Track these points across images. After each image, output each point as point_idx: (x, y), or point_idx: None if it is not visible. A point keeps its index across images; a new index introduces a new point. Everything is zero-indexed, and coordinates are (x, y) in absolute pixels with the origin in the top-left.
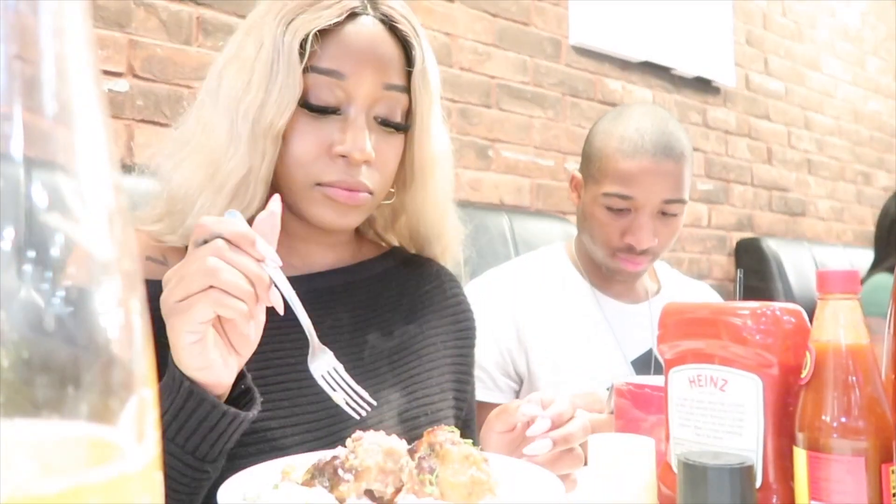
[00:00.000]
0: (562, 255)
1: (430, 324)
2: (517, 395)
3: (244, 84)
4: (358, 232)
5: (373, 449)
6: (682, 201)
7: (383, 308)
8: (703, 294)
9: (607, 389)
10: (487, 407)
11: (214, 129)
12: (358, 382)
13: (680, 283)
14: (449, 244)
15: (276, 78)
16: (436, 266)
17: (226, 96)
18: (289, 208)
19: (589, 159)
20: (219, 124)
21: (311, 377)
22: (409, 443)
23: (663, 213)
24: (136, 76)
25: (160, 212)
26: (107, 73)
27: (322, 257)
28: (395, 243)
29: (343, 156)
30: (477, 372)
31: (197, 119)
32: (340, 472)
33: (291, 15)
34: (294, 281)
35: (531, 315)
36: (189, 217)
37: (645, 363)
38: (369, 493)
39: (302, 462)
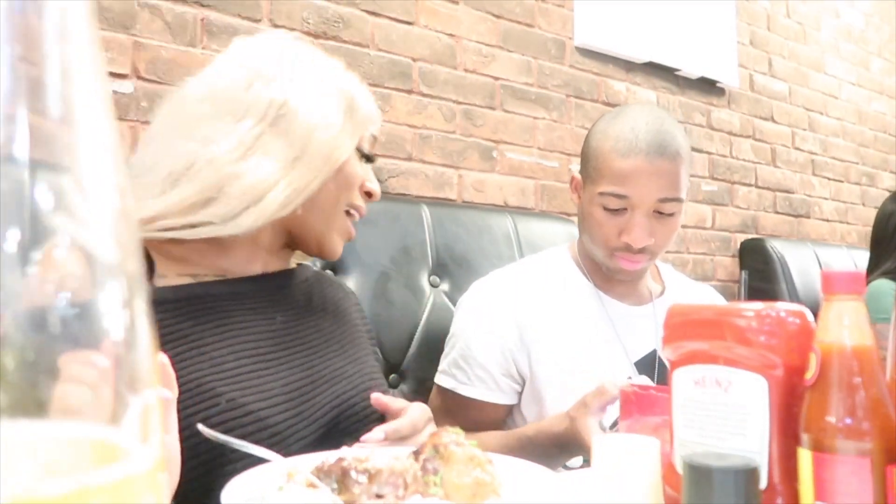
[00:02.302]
0: (565, 256)
1: (348, 324)
2: (519, 396)
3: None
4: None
5: (383, 451)
6: (677, 200)
7: (314, 309)
8: (707, 296)
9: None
10: (489, 407)
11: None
12: (298, 370)
13: (684, 285)
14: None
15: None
16: (336, 280)
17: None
18: (296, 227)
19: (587, 159)
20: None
21: (278, 357)
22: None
23: (659, 213)
24: (140, 78)
25: (190, 200)
26: (111, 74)
27: (266, 265)
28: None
29: (369, 193)
30: (479, 372)
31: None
32: (353, 473)
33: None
34: (238, 282)
35: (534, 316)
36: (251, 213)
37: (649, 364)
38: (378, 496)
39: (306, 463)
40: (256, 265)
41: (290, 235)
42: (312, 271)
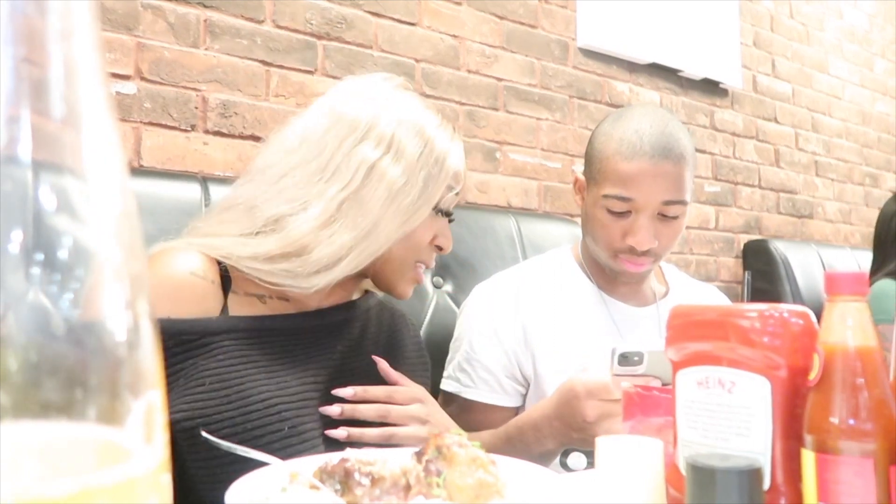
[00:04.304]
0: (568, 257)
1: (401, 357)
2: (523, 398)
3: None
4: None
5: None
6: (681, 203)
7: (368, 340)
8: (711, 296)
9: (612, 352)
10: (493, 410)
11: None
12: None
13: (688, 286)
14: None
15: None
16: (399, 311)
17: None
18: (365, 272)
19: (590, 161)
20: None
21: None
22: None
23: (663, 215)
24: (143, 79)
25: (272, 252)
26: (114, 75)
27: (325, 298)
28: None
29: (440, 248)
30: (483, 375)
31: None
32: (357, 475)
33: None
34: (303, 317)
35: (537, 318)
36: (324, 275)
37: None
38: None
39: (309, 465)
40: (319, 294)
41: (360, 275)
42: (376, 300)
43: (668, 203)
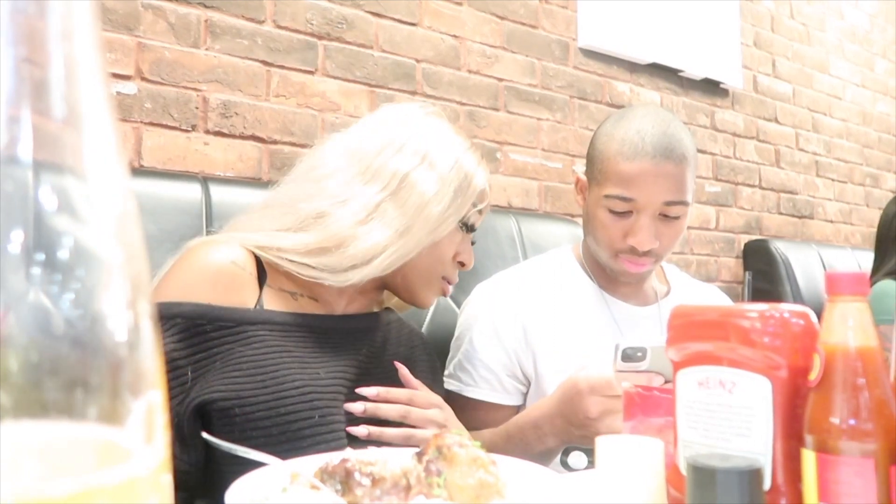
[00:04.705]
0: (569, 257)
1: (416, 372)
2: (524, 397)
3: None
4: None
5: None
6: (683, 203)
7: (388, 352)
8: (713, 296)
9: (616, 347)
10: (494, 408)
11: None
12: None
13: (689, 286)
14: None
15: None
16: (416, 330)
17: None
18: (391, 280)
19: (592, 162)
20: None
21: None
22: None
23: (665, 216)
24: (144, 79)
25: (311, 246)
26: (115, 75)
27: (350, 304)
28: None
29: (462, 263)
30: (484, 373)
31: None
32: (357, 475)
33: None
34: (331, 319)
35: (538, 317)
36: (358, 271)
37: None
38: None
39: (310, 465)
40: (344, 299)
41: (385, 284)
42: (396, 317)
43: (669, 203)
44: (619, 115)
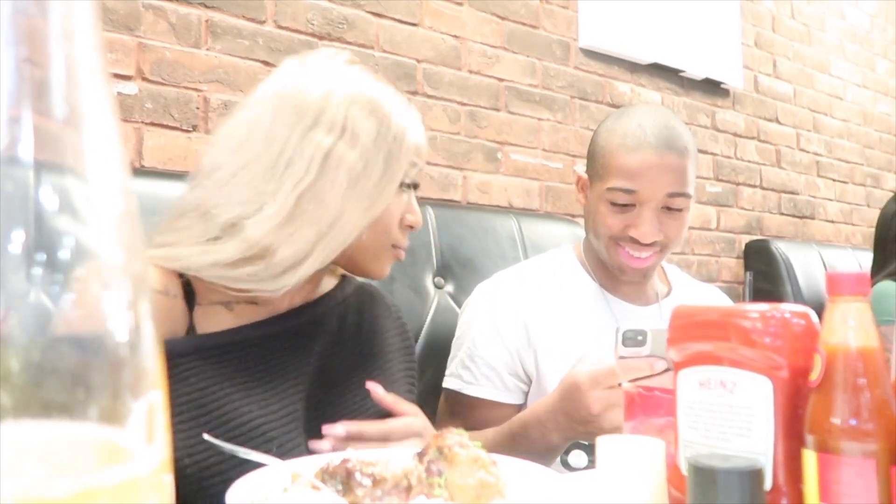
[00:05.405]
0: (570, 256)
1: (384, 344)
2: (526, 396)
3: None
4: None
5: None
6: (686, 195)
7: (348, 333)
8: (714, 297)
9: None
10: (496, 407)
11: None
12: (327, 402)
13: (690, 286)
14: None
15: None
16: (378, 293)
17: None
18: (337, 261)
19: (593, 157)
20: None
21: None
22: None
23: (668, 208)
24: (144, 79)
25: (234, 257)
26: (116, 76)
27: (296, 296)
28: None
29: (411, 226)
30: (485, 371)
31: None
32: (358, 476)
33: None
34: (275, 321)
35: (540, 315)
36: (292, 274)
37: None
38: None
39: (311, 465)
40: (289, 293)
41: (333, 264)
42: (354, 287)
43: (672, 195)
44: (619, 112)
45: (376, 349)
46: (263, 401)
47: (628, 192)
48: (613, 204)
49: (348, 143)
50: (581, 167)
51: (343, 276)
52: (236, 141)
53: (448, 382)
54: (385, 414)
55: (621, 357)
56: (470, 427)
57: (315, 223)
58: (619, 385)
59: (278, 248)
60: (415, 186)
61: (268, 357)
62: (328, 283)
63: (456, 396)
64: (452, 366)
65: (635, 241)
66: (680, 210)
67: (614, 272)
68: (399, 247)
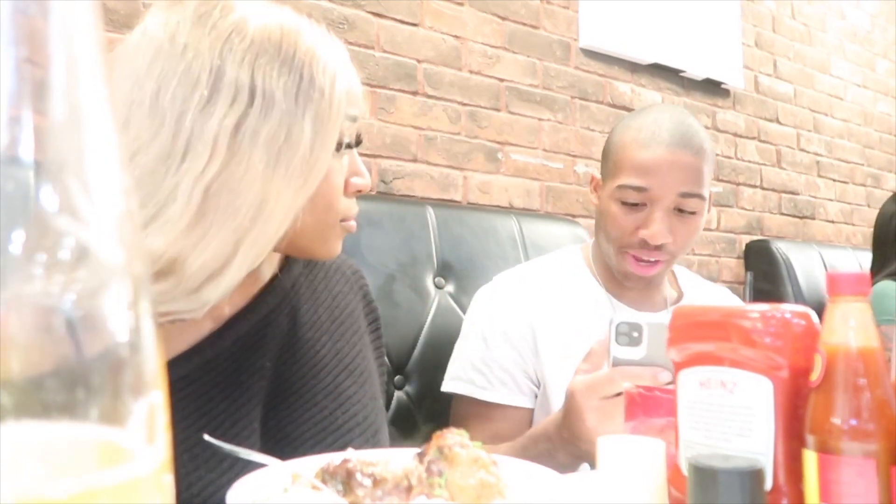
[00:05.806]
0: (577, 259)
1: (348, 321)
2: (535, 400)
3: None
4: None
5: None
6: (699, 196)
7: (304, 328)
8: (725, 298)
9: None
10: (512, 411)
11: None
12: (292, 411)
13: (701, 289)
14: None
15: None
16: (333, 266)
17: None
18: (279, 250)
19: (607, 156)
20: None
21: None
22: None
23: (680, 210)
24: None
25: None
26: None
27: (238, 292)
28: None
29: (359, 190)
30: (499, 374)
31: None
32: (359, 476)
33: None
34: (213, 340)
35: (546, 321)
36: (214, 287)
37: None
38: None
39: (311, 466)
40: (227, 307)
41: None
42: (301, 267)
43: (685, 195)
44: (637, 111)
45: (342, 342)
46: (200, 455)
47: (639, 189)
48: (624, 203)
49: (261, 111)
50: (584, 168)
51: (287, 258)
52: (125, 100)
53: (456, 386)
54: (356, 421)
55: (616, 358)
56: (483, 436)
57: (231, 219)
58: (618, 395)
59: (188, 259)
60: (357, 143)
61: (200, 394)
62: (267, 271)
63: (467, 402)
64: (456, 368)
65: (644, 244)
66: (693, 213)
67: (619, 278)
68: (348, 219)
